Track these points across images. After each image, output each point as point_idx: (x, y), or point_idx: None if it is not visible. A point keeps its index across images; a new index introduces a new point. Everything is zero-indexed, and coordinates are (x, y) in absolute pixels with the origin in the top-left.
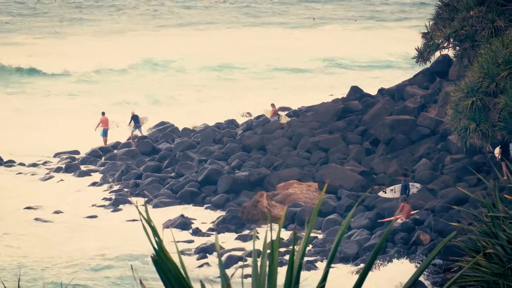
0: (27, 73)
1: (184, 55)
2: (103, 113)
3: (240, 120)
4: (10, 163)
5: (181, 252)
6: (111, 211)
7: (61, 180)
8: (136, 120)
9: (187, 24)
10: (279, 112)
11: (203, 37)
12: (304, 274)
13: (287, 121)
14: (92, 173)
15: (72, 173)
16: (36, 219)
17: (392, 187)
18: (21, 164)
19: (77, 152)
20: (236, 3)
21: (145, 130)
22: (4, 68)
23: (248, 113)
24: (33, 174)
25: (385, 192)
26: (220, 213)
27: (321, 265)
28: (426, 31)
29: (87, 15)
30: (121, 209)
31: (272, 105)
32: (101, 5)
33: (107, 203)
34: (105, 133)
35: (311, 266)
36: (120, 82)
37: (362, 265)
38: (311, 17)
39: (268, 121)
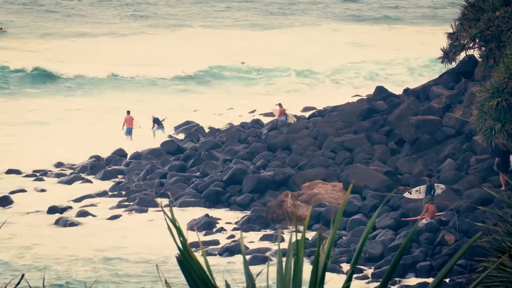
0: (42, 77)
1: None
2: (128, 112)
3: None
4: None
5: (206, 252)
6: (135, 212)
7: (86, 180)
8: (157, 122)
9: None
10: (287, 112)
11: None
12: (329, 274)
13: (294, 121)
14: (116, 173)
15: (97, 173)
16: (60, 219)
17: (417, 188)
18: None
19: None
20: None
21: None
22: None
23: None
24: (57, 175)
25: (410, 193)
26: (245, 213)
27: (346, 266)
28: (452, 31)
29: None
30: (145, 210)
31: (279, 105)
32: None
33: (131, 203)
34: (129, 132)
35: (335, 266)
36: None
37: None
38: None
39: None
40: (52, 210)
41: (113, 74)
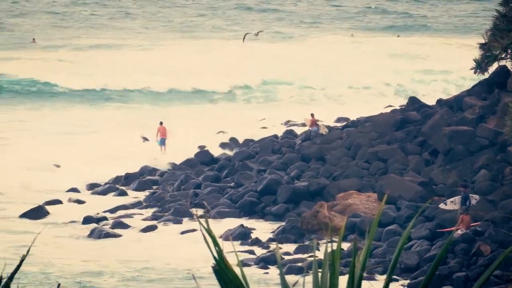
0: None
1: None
2: (160, 123)
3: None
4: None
5: (241, 263)
6: (170, 222)
7: (120, 191)
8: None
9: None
10: (318, 122)
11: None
12: (364, 284)
13: (325, 131)
14: (151, 183)
15: (131, 184)
16: (95, 230)
17: (452, 199)
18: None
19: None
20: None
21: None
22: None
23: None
24: (92, 186)
25: (446, 204)
26: (279, 223)
27: (381, 277)
28: (483, 42)
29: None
30: (180, 220)
31: (312, 115)
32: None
33: (166, 213)
34: (162, 142)
35: (371, 277)
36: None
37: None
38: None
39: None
40: (87, 220)
41: (138, 87)
